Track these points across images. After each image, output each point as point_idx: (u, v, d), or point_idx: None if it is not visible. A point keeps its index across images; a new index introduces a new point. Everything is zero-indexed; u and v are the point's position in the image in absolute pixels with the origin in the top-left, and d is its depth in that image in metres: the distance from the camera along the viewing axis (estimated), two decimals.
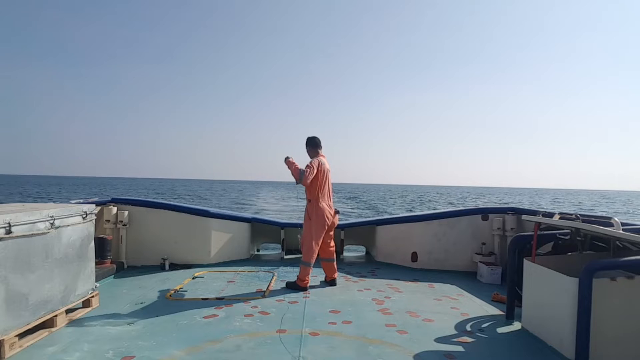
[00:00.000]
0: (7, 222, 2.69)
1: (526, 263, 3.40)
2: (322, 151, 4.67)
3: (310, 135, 4.63)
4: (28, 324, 2.89)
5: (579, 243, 3.47)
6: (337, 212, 4.69)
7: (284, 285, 4.59)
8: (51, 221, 3.12)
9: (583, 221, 3.25)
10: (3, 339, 2.65)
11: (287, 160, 4.36)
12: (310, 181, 4.33)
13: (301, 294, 4.25)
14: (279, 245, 6.44)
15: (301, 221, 6.75)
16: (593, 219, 3.34)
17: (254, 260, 6.02)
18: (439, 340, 3.10)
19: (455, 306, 3.97)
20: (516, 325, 3.46)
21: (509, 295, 3.66)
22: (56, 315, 3.16)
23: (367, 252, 6.75)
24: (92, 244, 3.77)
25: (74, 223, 3.44)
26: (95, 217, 3.84)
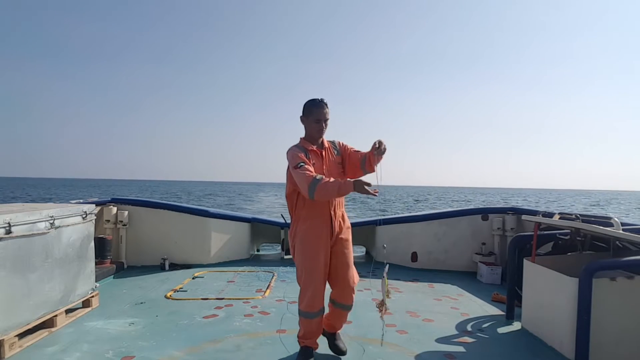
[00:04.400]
0: (7, 222, 2.69)
1: (526, 263, 3.40)
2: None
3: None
4: (28, 324, 2.89)
5: (579, 243, 3.47)
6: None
7: (283, 284, 4.58)
8: (51, 221, 3.12)
9: (583, 221, 3.25)
10: (3, 339, 2.65)
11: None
12: None
13: None
14: (279, 246, 6.44)
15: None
16: (593, 219, 3.34)
17: (253, 260, 6.02)
18: (439, 340, 3.10)
19: (455, 306, 3.97)
20: (516, 325, 3.46)
21: (509, 295, 3.66)
22: (56, 315, 3.16)
23: (367, 252, 6.75)
24: (92, 244, 3.77)
25: (74, 223, 3.44)
26: (95, 217, 3.84)
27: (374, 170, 2.60)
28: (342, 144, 2.81)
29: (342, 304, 2.69)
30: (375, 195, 2.28)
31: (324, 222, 2.60)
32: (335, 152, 2.75)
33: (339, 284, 2.65)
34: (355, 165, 2.67)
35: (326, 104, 2.64)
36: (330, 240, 2.62)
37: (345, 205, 2.81)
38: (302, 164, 2.48)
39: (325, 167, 2.63)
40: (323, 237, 2.60)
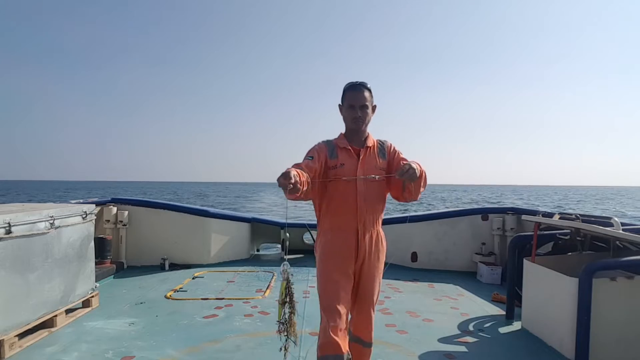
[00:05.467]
0: (7, 222, 2.69)
1: (526, 263, 3.40)
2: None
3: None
4: (28, 324, 2.89)
5: (579, 243, 3.47)
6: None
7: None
8: (51, 221, 3.12)
9: (583, 221, 3.25)
10: (3, 339, 2.65)
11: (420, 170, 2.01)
12: None
13: (301, 293, 4.24)
14: (279, 245, 6.45)
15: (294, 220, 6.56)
16: (593, 219, 3.34)
17: (253, 260, 6.02)
18: (439, 340, 3.10)
19: (455, 306, 3.97)
20: (516, 325, 3.46)
21: (509, 295, 3.66)
22: (56, 315, 3.16)
23: None
24: (92, 244, 3.77)
25: (74, 223, 3.44)
26: (95, 217, 3.84)
27: (410, 200, 2.13)
28: (394, 149, 2.25)
29: (359, 338, 2.19)
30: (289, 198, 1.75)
31: (348, 236, 2.10)
32: (382, 156, 2.19)
33: (357, 310, 2.17)
34: (398, 183, 2.11)
35: (366, 87, 2.14)
36: (355, 260, 2.10)
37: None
38: (308, 158, 2.06)
39: (361, 171, 2.10)
40: (346, 255, 2.09)
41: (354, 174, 2.09)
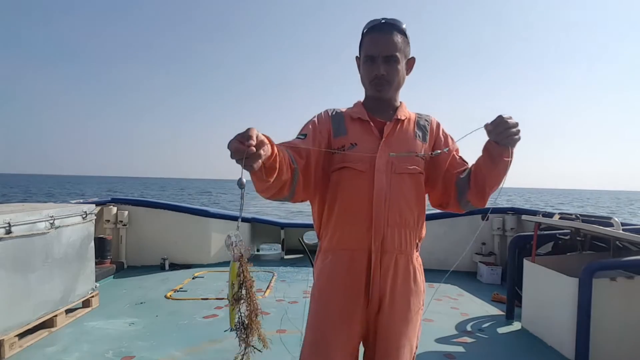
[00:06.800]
0: (7, 222, 2.69)
1: (526, 263, 3.40)
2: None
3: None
4: (28, 324, 2.89)
5: (579, 243, 3.47)
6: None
7: (284, 285, 4.58)
8: (51, 221, 3.12)
9: (583, 221, 3.25)
10: (3, 339, 2.65)
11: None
12: None
13: (301, 293, 4.24)
14: (279, 246, 6.45)
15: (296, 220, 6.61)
16: (593, 219, 3.34)
17: (253, 260, 6.02)
18: (439, 340, 3.10)
19: (455, 306, 3.97)
20: (516, 325, 3.46)
21: (509, 295, 3.67)
22: (56, 315, 3.16)
23: None
24: (92, 244, 3.77)
25: (74, 223, 3.44)
26: (95, 217, 3.84)
27: (475, 205, 1.30)
28: (444, 131, 1.41)
29: None
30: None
31: (354, 261, 1.28)
32: (419, 135, 1.35)
33: None
34: (449, 185, 1.33)
35: (397, 28, 1.28)
36: (367, 303, 1.27)
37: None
38: (299, 136, 1.30)
39: (385, 158, 1.27)
40: (349, 294, 1.28)
41: (372, 159, 1.26)
